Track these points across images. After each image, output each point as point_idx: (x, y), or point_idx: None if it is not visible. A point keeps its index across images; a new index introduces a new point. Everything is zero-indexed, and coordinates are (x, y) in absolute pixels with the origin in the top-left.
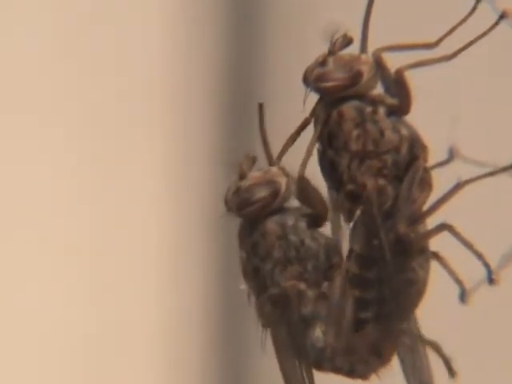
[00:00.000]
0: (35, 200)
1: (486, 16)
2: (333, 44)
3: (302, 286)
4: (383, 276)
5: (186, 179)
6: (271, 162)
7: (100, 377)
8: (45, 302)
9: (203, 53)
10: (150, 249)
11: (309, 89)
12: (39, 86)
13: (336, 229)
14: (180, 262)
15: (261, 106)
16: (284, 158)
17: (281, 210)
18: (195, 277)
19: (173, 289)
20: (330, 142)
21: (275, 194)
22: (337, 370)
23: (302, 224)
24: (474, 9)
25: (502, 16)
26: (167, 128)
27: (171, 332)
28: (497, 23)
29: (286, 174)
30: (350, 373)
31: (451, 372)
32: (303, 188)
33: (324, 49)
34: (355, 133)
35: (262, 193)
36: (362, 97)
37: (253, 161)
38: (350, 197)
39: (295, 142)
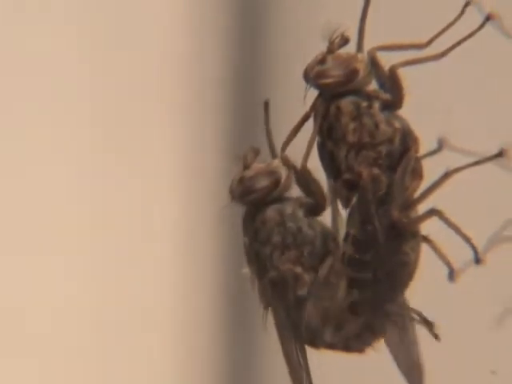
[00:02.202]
0: (44, 196)
1: (473, 18)
2: (331, 43)
3: (299, 269)
4: (377, 258)
5: (197, 171)
6: (274, 155)
7: (110, 366)
8: (55, 290)
9: (213, 54)
10: (163, 243)
11: (309, 85)
12: (51, 85)
13: (335, 214)
14: (191, 256)
15: (266, 104)
16: (287, 150)
17: (281, 199)
18: (207, 266)
19: (186, 281)
20: (328, 134)
21: (276, 183)
22: (332, 346)
23: (300, 212)
24: (462, 12)
25: (488, 18)
26: (178, 124)
27: (182, 323)
28: (483, 25)
29: (289, 165)
30: (345, 348)
31: (434, 335)
32: (305, 177)
33: (323, 48)
34: (352, 126)
35: (264, 182)
36: (358, 92)
37: (256, 153)
38: (347, 185)
39: (297, 135)
